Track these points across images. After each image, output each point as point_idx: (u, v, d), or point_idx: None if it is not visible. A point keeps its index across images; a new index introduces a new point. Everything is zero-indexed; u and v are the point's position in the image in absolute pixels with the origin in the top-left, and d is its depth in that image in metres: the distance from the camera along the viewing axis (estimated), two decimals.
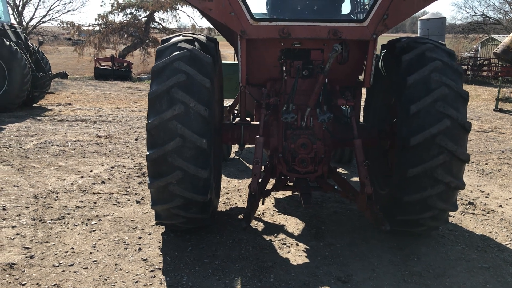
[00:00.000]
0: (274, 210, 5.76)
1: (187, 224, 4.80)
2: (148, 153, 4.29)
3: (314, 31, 4.38)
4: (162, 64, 4.38)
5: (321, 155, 4.83)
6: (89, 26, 35.72)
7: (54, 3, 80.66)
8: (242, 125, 5.18)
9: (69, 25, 36.03)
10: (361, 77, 5.20)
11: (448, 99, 4.31)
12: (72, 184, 6.67)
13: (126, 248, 4.61)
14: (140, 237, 4.87)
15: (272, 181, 5.28)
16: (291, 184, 4.93)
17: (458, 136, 4.32)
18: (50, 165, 7.71)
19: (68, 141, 9.54)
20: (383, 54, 5.32)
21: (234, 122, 5.35)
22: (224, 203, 6.01)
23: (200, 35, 4.98)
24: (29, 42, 14.37)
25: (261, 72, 5.02)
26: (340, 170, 7.90)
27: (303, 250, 4.66)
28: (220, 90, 5.61)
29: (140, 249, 4.60)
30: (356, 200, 4.65)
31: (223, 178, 7.21)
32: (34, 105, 14.63)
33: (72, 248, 4.57)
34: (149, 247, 4.66)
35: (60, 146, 9.10)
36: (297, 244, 4.79)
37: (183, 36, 4.76)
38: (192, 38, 4.69)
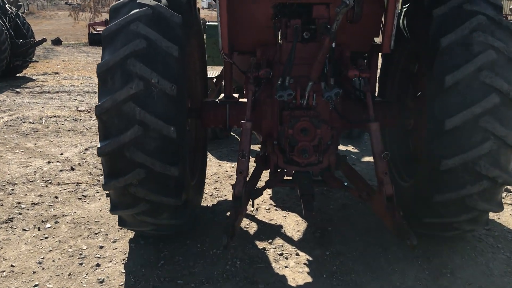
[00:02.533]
0: (271, 204, 4.75)
1: (159, 231, 3.82)
2: (99, 145, 3.27)
3: None
4: (115, 26, 3.31)
5: (327, 142, 3.78)
6: None
7: None
8: (228, 104, 4.11)
9: None
10: (377, 40, 4.08)
11: (497, 67, 3.24)
12: (35, 172, 5.68)
13: (81, 264, 3.64)
14: (101, 247, 3.90)
15: (265, 175, 4.25)
16: (289, 178, 3.89)
17: (510, 116, 3.25)
18: (16, 147, 6.72)
19: (43, 117, 8.52)
20: (406, 8, 4.18)
21: (217, 100, 4.28)
22: (211, 195, 5.02)
23: None
24: (7, 6, 13.14)
25: (248, 35, 3.92)
26: (349, 148, 6.85)
27: (304, 264, 3.67)
28: (201, 58, 4.51)
29: (98, 264, 3.63)
30: (371, 202, 3.62)
31: (213, 161, 6.19)
32: (18, 75, 13.57)
33: (12, 265, 3.61)
34: (111, 261, 3.69)
35: (33, 123, 8.09)
36: (297, 255, 3.80)
37: None
38: None
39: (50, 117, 8.50)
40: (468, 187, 3.35)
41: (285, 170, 3.83)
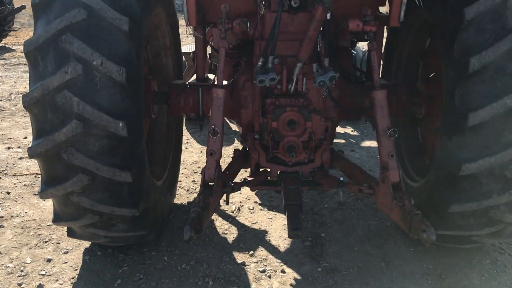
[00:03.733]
0: (256, 203, 4.09)
1: (116, 243, 3.18)
2: (30, 144, 2.59)
3: None
4: None
5: (320, 137, 3.10)
6: None
7: None
8: (201, 87, 3.40)
9: None
10: (383, 10, 3.34)
11: None
12: None
13: (19, 285, 3.00)
14: (49, 260, 3.25)
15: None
16: (273, 179, 3.22)
17: None
18: None
19: (13, 93, 7.77)
20: None
21: (188, 83, 3.56)
22: (187, 190, 4.35)
23: None
24: None
25: (221, 4, 3.18)
26: (347, 130, 6.15)
27: (291, 285, 3.04)
28: (173, 29, 3.75)
29: (41, 286, 2.99)
30: (375, 195, 2.94)
31: (195, 146, 5.50)
32: None
33: None
34: (57, 280, 3.05)
35: (1, 100, 7.36)
36: (283, 272, 3.16)
37: None
38: None
39: (21, 93, 7.75)
40: (494, 197, 2.69)
41: (269, 169, 3.16)
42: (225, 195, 2.97)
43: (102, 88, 2.50)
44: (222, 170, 2.91)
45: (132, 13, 2.62)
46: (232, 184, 3.01)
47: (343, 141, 5.76)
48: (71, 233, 3.08)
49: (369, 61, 2.92)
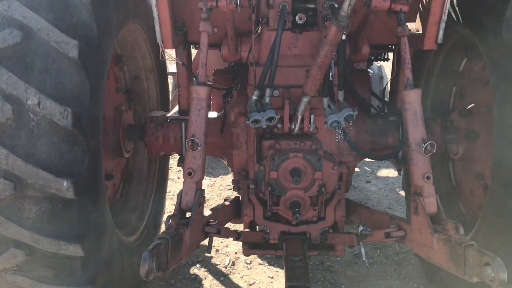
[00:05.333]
0: (254, 255, 3.42)
1: None
2: None
3: None
4: None
5: (333, 188, 2.43)
6: None
7: None
8: (183, 122, 2.74)
9: None
10: (413, 26, 2.68)
11: None
12: None
13: None
14: None
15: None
16: (273, 240, 2.53)
17: None
18: None
19: None
20: None
21: (168, 115, 2.91)
22: None
23: None
24: None
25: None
26: None
27: None
28: (155, 49, 3.09)
29: None
30: (406, 237, 2.24)
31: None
32: None
33: None
34: None
35: None
36: None
37: None
38: None
39: None
40: None
41: (268, 230, 2.48)
42: (207, 238, 2.30)
43: (39, 136, 1.86)
44: (210, 207, 2.24)
45: (86, 34, 1.99)
46: (218, 227, 2.32)
47: (356, 169, 5.07)
48: None
49: (399, 52, 2.24)
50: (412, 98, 2.17)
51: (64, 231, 1.97)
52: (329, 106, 2.23)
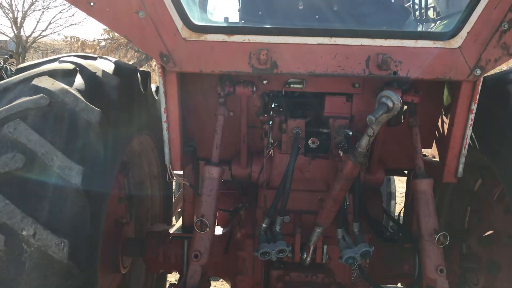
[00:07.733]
0: None
1: None
2: None
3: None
4: None
5: None
6: (94, 41, 33.74)
7: (55, 16, 79.39)
8: (186, 239, 2.59)
9: (73, 40, 34.09)
10: (429, 152, 2.61)
11: None
12: None
13: None
14: None
15: None
16: None
17: None
18: None
19: None
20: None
21: (171, 231, 2.77)
22: None
23: (107, 59, 2.44)
24: None
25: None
26: None
27: None
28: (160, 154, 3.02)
29: None
30: None
31: None
32: None
33: None
34: None
35: None
36: None
37: (60, 62, 2.20)
38: (73, 67, 2.12)
39: None
40: None
41: None
42: None
43: (31, 270, 1.72)
44: None
45: (91, 157, 1.92)
46: None
47: None
48: None
49: (411, 140, 2.18)
50: (425, 188, 2.11)
51: None
52: (343, 238, 2.10)
